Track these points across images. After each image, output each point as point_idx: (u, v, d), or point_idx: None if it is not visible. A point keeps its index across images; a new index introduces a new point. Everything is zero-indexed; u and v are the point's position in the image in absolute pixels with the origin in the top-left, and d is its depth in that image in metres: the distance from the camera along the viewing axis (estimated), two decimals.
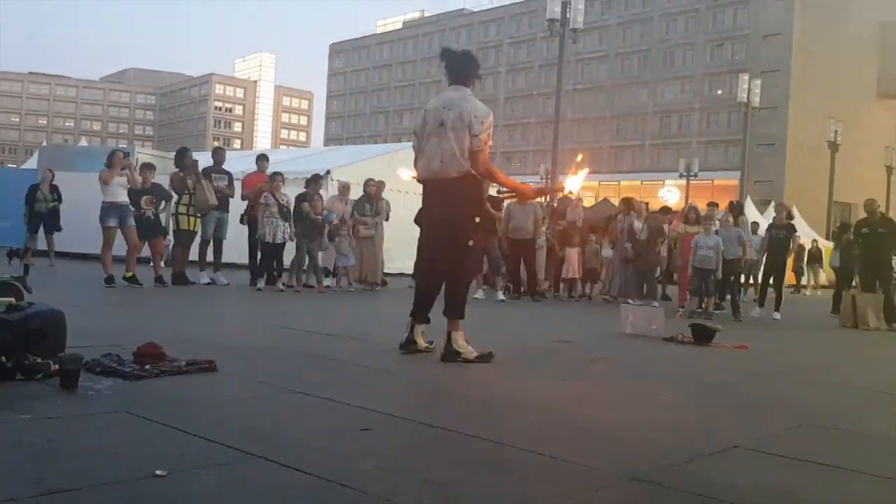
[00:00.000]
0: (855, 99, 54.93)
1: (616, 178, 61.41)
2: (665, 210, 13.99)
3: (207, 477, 2.21)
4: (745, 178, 29.18)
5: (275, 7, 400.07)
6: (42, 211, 12.40)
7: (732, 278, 10.87)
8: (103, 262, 9.08)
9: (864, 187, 33.30)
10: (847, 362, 7.03)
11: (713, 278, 10.20)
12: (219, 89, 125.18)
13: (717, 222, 10.95)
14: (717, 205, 13.01)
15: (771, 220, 12.29)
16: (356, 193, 11.70)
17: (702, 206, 13.19)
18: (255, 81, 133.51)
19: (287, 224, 10.05)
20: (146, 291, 8.78)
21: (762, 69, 48.14)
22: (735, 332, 7.89)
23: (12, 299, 3.78)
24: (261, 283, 10.07)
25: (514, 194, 6.26)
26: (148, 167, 9.92)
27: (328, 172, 13.79)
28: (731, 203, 13.78)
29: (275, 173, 10.48)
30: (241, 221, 10.81)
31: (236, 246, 11.35)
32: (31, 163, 21.27)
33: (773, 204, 16.58)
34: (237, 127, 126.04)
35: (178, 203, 10.18)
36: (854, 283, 11.74)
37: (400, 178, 6.65)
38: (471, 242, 4.77)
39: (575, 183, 5.37)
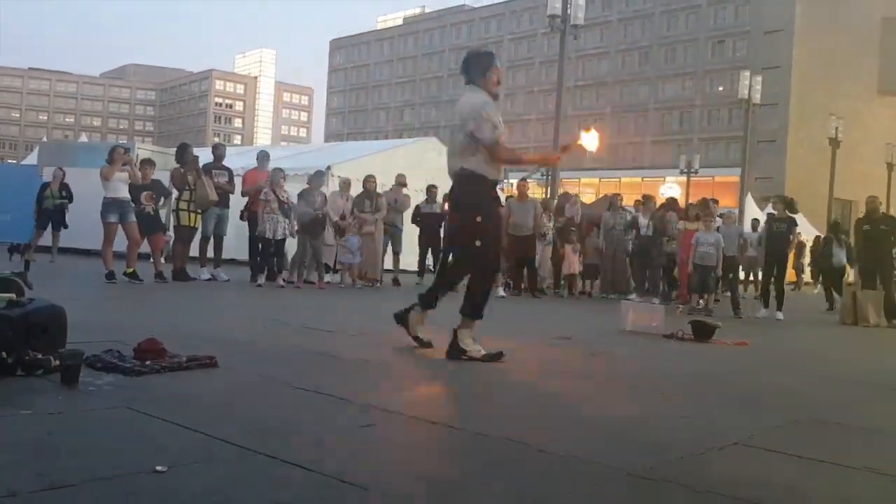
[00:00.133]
0: (856, 95, 54.87)
1: (617, 174, 61.37)
2: (671, 203, 13.15)
3: (208, 472, 2.21)
4: (746, 174, 29.11)
5: (275, 3, 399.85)
6: (49, 208, 12.50)
7: (732, 275, 10.88)
8: (104, 257, 9.08)
9: (865, 184, 33.25)
10: (847, 358, 7.03)
11: (713, 275, 10.21)
12: (219, 85, 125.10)
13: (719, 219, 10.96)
14: (716, 201, 13.00)
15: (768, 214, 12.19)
16: (356, 190, 11.70)
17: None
18: (256, 77, 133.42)
19: (287, 220, 10.06)
20: (147, 287, 8.78)
21: (763, 66, 48.01)
22: (735, 328, 7.89)
23: (13, 295, 3.77)
24: (261, 279, 10.08)
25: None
26: (148, 163, 9.92)
27: (329, 168, 13.79)
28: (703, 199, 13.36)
29: (275, 169, 10.48)
30: (241, 218, 10.82)
31: (237, 242, 11.36)
32: (32, 159, 21.29)
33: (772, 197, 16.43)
34: (237, 123, 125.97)
35: (178, 199, 10.18)
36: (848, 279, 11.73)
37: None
38: (478, 243, 4.68)
39: (591, 140, 5.19)
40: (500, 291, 11.10)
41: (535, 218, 11.57)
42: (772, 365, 5.83)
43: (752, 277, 15.65)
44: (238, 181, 10.88)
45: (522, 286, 11.86)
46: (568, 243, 12.47)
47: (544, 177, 36.75)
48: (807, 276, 22.98)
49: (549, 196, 19.71)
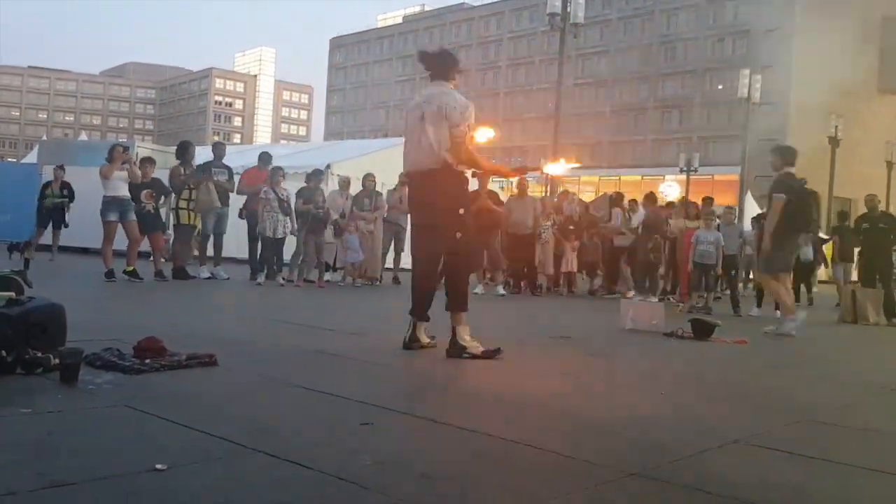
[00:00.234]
0: (856, 94, 54.81)
1: (616, 173, 61.30)
2: (651, 199, 13.00)
3: (207, 471, 2.21)
4: (746, 173, 29.12)
5: (275, 1, 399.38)
6: (50, 207, 12.53)
7: (733, 273, 10.87)
8: (104, 256, 9.08)
9: (864, 183, 33.20)
10: (847, 357, 7.02)
11: (713, 273, 10.21)
12: (219, 83, 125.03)
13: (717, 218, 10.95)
14: (712, 199, 13.00)
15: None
16: (356, 188, 11.69)
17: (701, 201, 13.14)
18: (255, 76, 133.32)
19: (287, 219, 10.05)
20: (146, 286, 8.79)
21: (763, 64, 47.99)
22: (735, 327, 7.89)
23: (12, 293, 3.78)
24: (261, 278, 10.08)
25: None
26: (148, 161, 9.91)
27: (328, 167, 13.78)
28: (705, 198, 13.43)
29: (274, 168, 10.47)
30: (240, 216, 10.82)
31: (236, 241, 11.35)
32: (31, 157, 21.27)
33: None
34: (237, 121, 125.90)
35: (178, 198, 10.17)
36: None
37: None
38: (459, 234, 4.74)
39: (555, 168, 5.36)
40: (500, 290, 11.11)
41: (534, 217, 11.57)
42: (772, 363, 5.82)
43: (751, 276, 15.64)
44: (237, 179, 10.87)
45: (522, 284, 11.86)
46: (567, 241, 12.46)
47: (543, 175, 36.70)
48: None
49: (548, 194, 19.72)
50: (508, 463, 2.51)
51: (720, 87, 58.68)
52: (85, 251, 13.44)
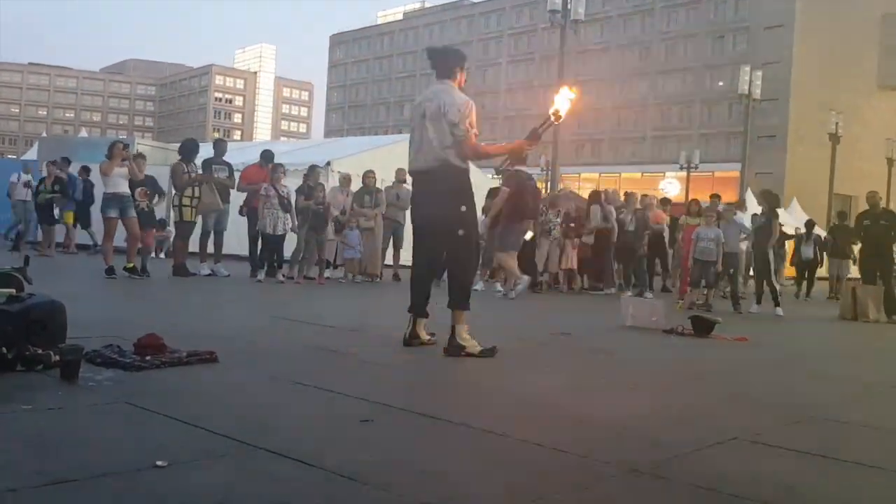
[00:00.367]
0: (856, 90, 54.78)
1: (617, 169, 61.30)
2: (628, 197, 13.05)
3: (208, 468, 2.21)
4: (746, 170, 29.10)
5: None
6: (42, 203, 12.54)
7: (732, 270, 10.86)
8: (104, 253, 9.07)
9: (864, 179, 33.21)
10: (846, 354, 7.03)
11: (713, 270, 10.21)
12: (219, 80, 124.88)
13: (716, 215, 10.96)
14: (719, 197, 13.01)
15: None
16: (356, 185, 11.68)
17: (703, 198, 13.17)
18: (256, 72, 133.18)
19: (288, 215, 10.04)
20: (147, 282, 8.79)
21: (763, 61, 47.89)
22: (735, 324, 7.89)
23: (13, 290, 3.78)
24: (261, 275, 10.07)
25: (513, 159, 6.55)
26: (139, 157, 9.93)
27: (329, 164, 13.76)
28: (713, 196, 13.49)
29: (275, 165, 10.46)
30: (241, 213, 10.81)
31: (237, 237, 11.35)
32: (32, 154, 21.23)
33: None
34: (237, 118, 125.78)
35: (181, 195, 10.14)
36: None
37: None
38: (461, 232, 4.74)
39: (563, 103, 5.07)
40: (498, 287, 11.09)
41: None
42: (772, 360, 5.83)
43: (751, 273, 15.66)
44: (237, 176, 10.86)
45: None
46: (566, 238, 12.46)
47: (544, 171, 36.72)
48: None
49: (549, 190, 19.70)
50: (509, 459, 2.52)
51: (720, 83, 58.63)
52: (84, 247, 13.46)
